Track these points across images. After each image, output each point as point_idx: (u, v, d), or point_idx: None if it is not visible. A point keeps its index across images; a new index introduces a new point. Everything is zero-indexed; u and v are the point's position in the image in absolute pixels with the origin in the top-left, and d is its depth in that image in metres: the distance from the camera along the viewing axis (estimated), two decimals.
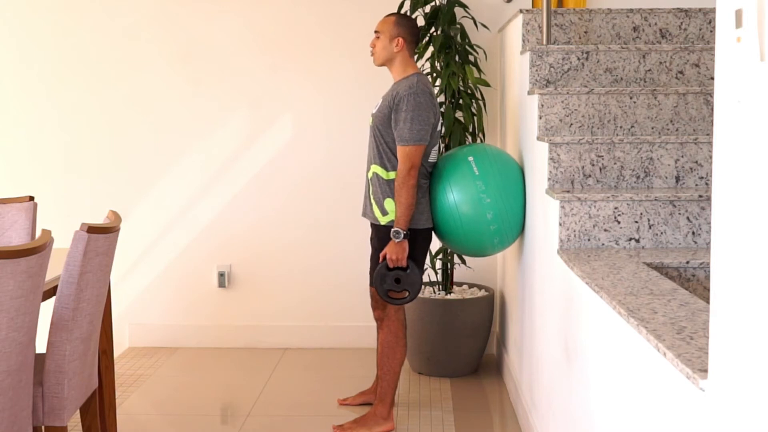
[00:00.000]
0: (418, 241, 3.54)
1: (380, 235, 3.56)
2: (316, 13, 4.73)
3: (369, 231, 3.71)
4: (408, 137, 3.41)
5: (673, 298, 2.05)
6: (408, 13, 4.28)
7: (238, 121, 4.80)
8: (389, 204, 3.50)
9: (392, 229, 3.44)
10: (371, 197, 3.58)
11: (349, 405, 3.93)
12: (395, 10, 4.34)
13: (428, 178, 3.58)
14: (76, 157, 4.84)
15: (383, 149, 3.51)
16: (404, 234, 3.43)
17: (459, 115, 4.34)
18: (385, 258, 3.48)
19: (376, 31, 3.61)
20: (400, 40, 3.55)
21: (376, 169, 3.55)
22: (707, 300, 2.44)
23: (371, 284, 3.63)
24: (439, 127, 3.57)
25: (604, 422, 2.20)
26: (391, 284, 3.50)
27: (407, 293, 3.52)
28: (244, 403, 3.96)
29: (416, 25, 3.63)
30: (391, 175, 3.50)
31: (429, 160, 3.55)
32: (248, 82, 4.77)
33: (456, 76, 4.18)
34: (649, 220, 2.85)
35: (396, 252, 3.44)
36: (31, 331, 2.34)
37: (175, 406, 3.94)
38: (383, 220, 3.53)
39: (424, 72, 4.43)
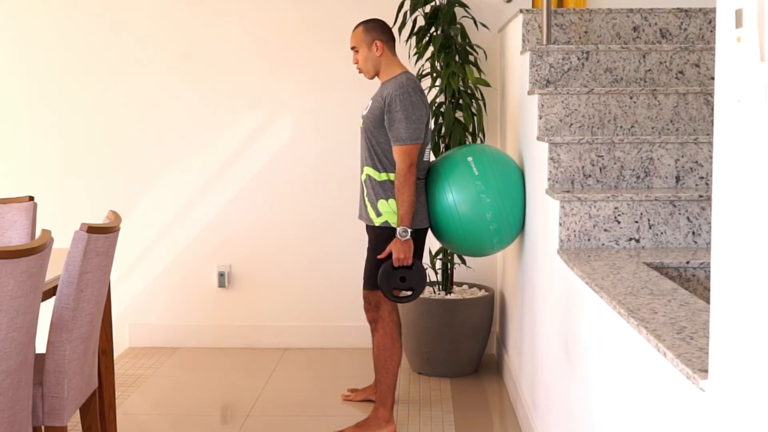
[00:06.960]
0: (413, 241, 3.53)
1: (375, 237, 3.57)
2: (314, 14, 4.73)
3: None
4: (405, 137, 3.41)
5: (673, 298, 2.05)
6: (408, 14, 4.29)
7: (238, 121, 4.80)
8: (383, 205, 3.51)
9: (398, 229, 3.44)
10: (365, 199, 3.58)
11: (351, 401, 3.94)
12: (395, 11, 4.35)
13: (423, 178, 3.58)
14: (76, 158, 4.84)
15: (375, 151, 3.51)
16: (410, 232, 3.44)
17: (459, 115, 4.34)
18: (388, 257, 3.48)
19: (352, 48, 3.61)
20: (378, 43, 3.55)
21: (368, 171, 3.55)
22: (707, 300, 2.44)
23: (364, 286, 3.62)
24: (430, 125, 3.57)
25: (604, 422, 2.20)
26: (396, 283, 3.50)
27: (412, 291, 3.53)
28: (244, 403, 3.96)
29: (385, 23, 3.62)
30: (383, 176, 3.51)
31: (423, 159, 3.56)
32: (247, 83, 4.77)
33: (456, 76, 4.18)
34: (649, 220, 2.84)
35: (402, 251, 3.45)
36: (31, 331, 2.34)
37: (175, 406, 3.94)
38: (377, 221, 3.54)
39: (424, 72, 4.44)
